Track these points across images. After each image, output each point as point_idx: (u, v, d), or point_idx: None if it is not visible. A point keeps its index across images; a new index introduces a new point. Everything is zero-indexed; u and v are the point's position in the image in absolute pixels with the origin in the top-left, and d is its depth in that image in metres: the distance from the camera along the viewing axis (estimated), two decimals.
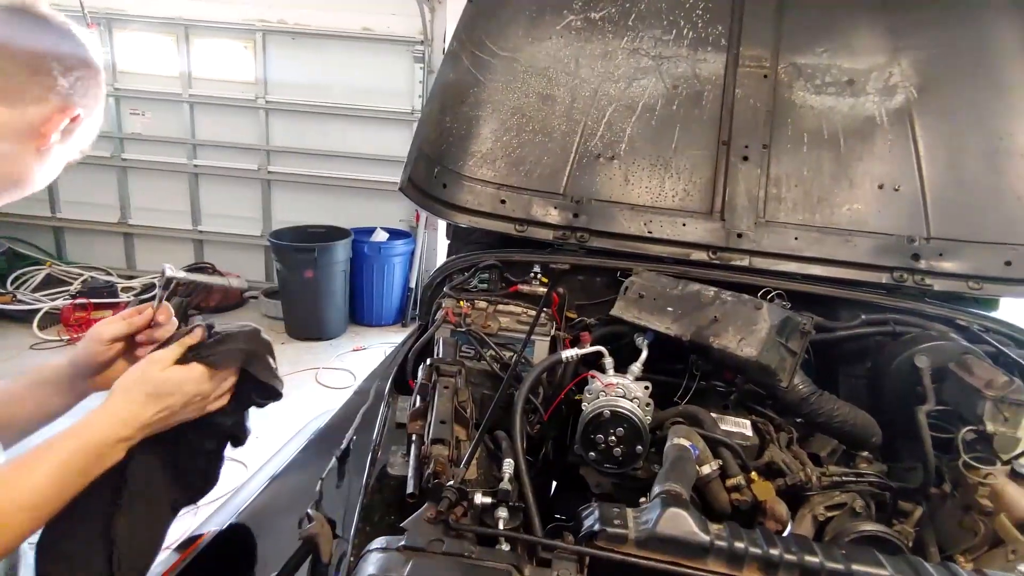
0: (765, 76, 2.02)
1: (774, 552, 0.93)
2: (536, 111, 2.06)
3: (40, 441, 0.91)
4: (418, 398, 1.34)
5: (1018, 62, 1.94)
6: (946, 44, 1.98)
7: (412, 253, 6.09)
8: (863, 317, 1.74)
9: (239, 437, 1.15)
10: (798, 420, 1.53)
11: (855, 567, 0.92)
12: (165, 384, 0.99)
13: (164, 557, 1.16)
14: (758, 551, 0.93)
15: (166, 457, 1.06)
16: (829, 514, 1.36)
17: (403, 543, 0.92)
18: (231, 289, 6.01)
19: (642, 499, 1.14)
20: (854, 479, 1.41)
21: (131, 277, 6.35)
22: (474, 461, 1.13)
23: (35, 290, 5.88)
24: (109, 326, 1.10)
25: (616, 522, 0.98)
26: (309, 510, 1.07)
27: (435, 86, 2.09)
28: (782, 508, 1.29)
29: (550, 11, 2.10)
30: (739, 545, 0.94)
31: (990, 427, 1.35)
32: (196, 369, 1.01)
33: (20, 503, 0.85)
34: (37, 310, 5.56)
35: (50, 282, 6.00)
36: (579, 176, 2.02)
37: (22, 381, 1.11)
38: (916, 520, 1.38)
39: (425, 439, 1.16)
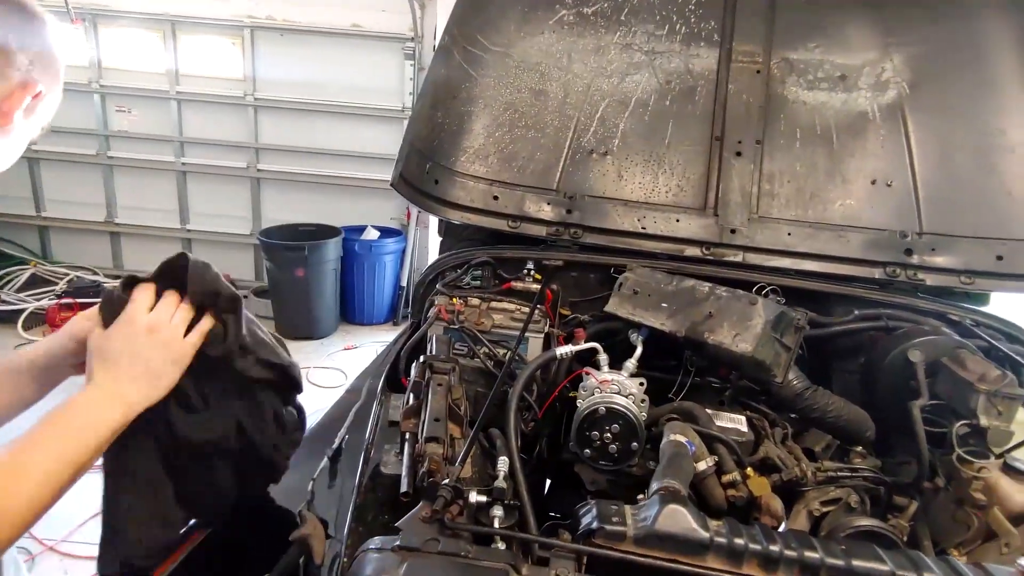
0: (758, 71, 2.02)
1: (774, 548, 0.92)
2: (528, 107, 2.04)
3: (26, 428, 0.89)
4: (411, 396, 1.32)
5: (1009, 59, 1.95)
6: (938, 40, 1.99)
7: (403, 251, 6.05)
8: (856, 312, 1.74)
9: (292, 383, 1.09)
10: (792, 416, 1.53)
11: (855, 562, 0.91)
12: (109, 343, 0.95)
13: None
14: (758, 547, 0.92)
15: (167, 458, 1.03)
16: (824, 509, 1.36)
17: (398, 543, 0.91)
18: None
19: (640, 496, 1.14)
20: (848, 474, 1.42)
21: (118, 277, 6.23)
22: (468, 459, 1.12)
23: (20, 290, 5.78)
24: (87, 322, 1.07)
25: (614, 519, 0.97)
26: (301, 510, 1.05)
27: (426, 82, 2.07)
28: (777, 504, 1.29)
29: (542, 6, 2.08)
30: (739, 541, 0.93)
31: (983, 421, 1.35)
32: (121, 316, 0.97)
33: (24, 483, 0.82)
34: (22, 310, 5.47)
35: (35, 282, 5.90)
36: (572, 172, 2.01)
37: None
38: (910, 514, 1.38)
39: (419, 437, 1.15)
